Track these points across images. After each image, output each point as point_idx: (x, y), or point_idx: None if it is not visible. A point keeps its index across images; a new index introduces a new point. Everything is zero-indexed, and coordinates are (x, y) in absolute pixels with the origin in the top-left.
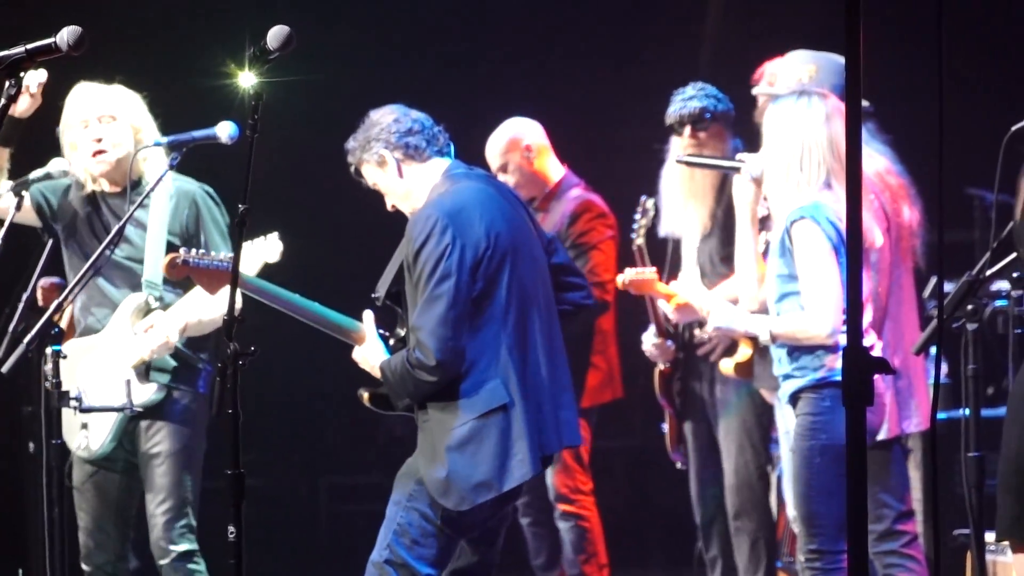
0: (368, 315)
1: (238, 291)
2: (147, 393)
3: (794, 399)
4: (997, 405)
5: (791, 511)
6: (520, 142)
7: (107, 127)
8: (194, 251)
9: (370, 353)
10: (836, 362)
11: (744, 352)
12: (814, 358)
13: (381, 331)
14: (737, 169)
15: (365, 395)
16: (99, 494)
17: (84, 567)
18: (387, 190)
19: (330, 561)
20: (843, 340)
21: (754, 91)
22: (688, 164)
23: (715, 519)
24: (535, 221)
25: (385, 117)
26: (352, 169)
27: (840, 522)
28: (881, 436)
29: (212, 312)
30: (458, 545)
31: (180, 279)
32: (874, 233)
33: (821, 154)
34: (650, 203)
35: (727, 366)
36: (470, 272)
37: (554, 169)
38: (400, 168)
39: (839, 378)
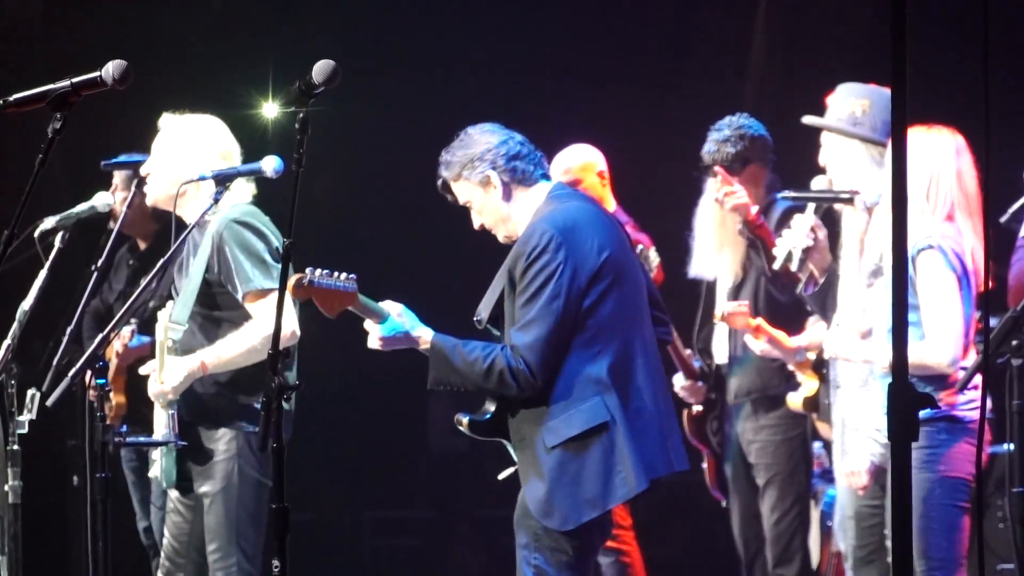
0: (389, 302)
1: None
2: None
3: None
4: None
5: (842, 545)
6: (596, 165)
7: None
8: (318, 271)
9: (408, 322)
10: (951, 396)
11: (811, 386)
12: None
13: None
14: (850, 200)
15: (464, 421)
16: (179, 521)
17: None
18: (485, 211)
19: None
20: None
21: (805, 120)
22: (794, 200)
23: (758, 557)
24: (631, 247)
25: (490, 137)
26: (440, 182)
27: (956, 554)
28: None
29: (232, 350)
30: (592, 564)
31: (304, 300)
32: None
33: (949, 186)
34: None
35: (795, 400)
36: (578, 292)
37: (611, 203)
38: (506, 191)
39: (956, 412)
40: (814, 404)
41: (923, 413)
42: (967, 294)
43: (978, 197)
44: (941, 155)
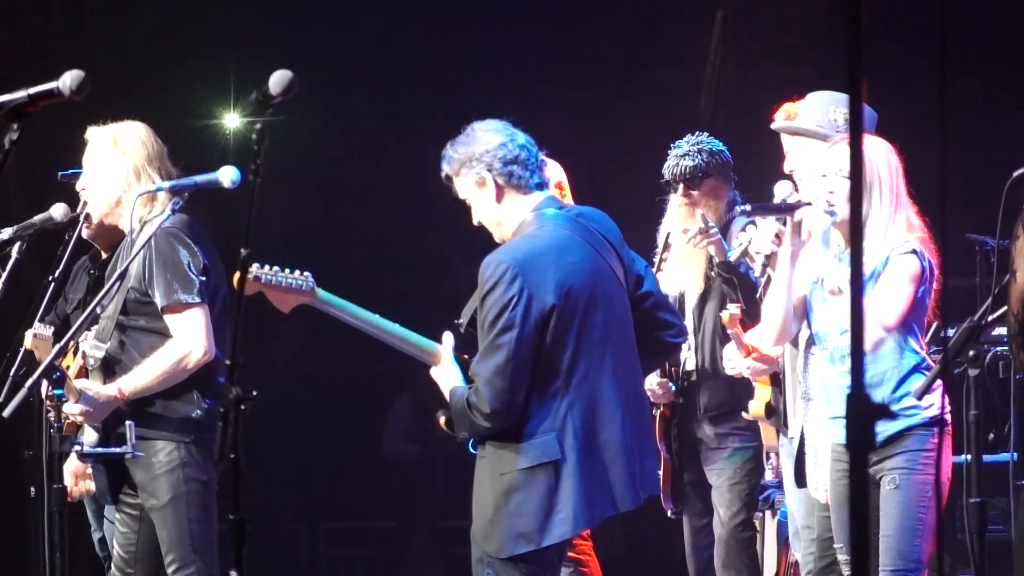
0: (448, 336)
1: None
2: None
3: (895, 437)
4: (997, 451)
5: (799, 555)
6: (554, 178)
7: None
8: (267, 267)
9: (445, 375)
10: (939, 403)
11: (765, 391)
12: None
13: (459, 355)
14: (807, 207)
15: (442, 418)
16: (126, 532)
17: None
18: (480, 210)
19: None
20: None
21: (778, 127)
22: (752, 215)
23: (708, 569)
24: (623, 254)
25: (492, 137)
26: (443, 175)
27: (928, 560)
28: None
29: (147, 377)
30: None
31: (252, 295)
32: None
33: (899, 193)
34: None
35: (757, 408)
36: (535, 325)
37: None
38: (499, 194)
39: (943, 416)
40: (772, 409)
41: (922, 416)
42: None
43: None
44: (885, 163)
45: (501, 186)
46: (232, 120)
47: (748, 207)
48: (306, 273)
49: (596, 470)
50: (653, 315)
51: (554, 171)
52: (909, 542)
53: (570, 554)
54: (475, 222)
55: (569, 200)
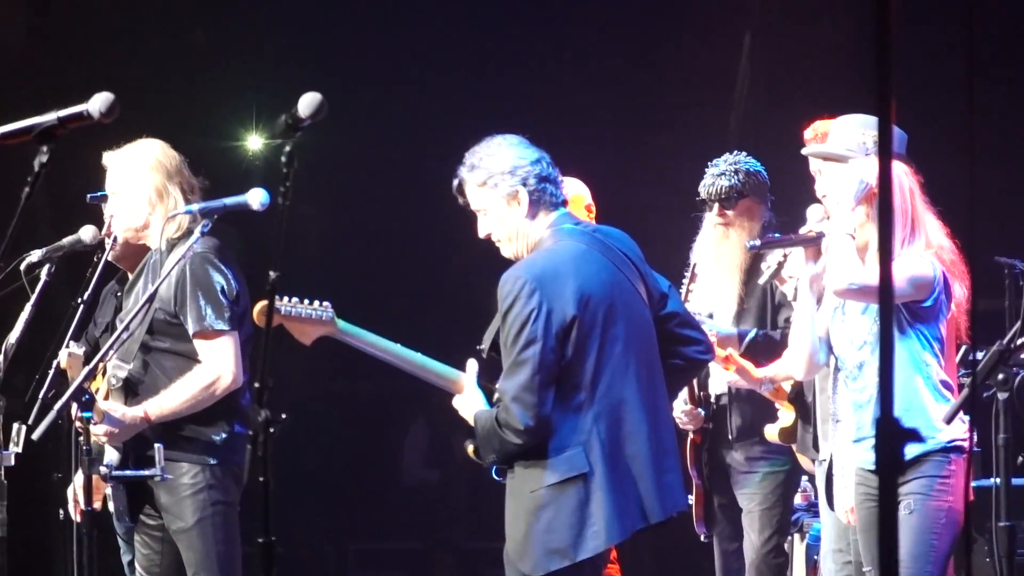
0: (472, 364)
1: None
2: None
3: (912, 462)
4: None
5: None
6: (583, 198)
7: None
8: (286, 299)
9: (468, 402)
10: (957, 429)
11: (788, 417)
12: (930, 425)
13: (482, 382)
14: (816, 241)
15: (469, 447)
16: (148, 554)
17: None
18: (498, 224)
19: None
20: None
21: (807, 151)
22: (763, 248)
23: None
24: (645, 272)
25: (525, 152)
26: (457, 182)
27: None
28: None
29: (174, 401)
30: None
31: (273, 327)
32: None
33: (918, 219)
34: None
35: (771, 432)
36: (557, 338)
37: None
38: (531, 211)
39: (959, 442)
40: (791, 435)
41: (937, 442)
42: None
43: (942, 229)
44: (903, 189)
45: (534, 202)
46: (255, 142)
47: (757, 241)
48: (325, 303)
49: (625, 482)
50: (679, 333)
51: (583, 191)
52: (921, 568)
53: None
54: (482, 234)
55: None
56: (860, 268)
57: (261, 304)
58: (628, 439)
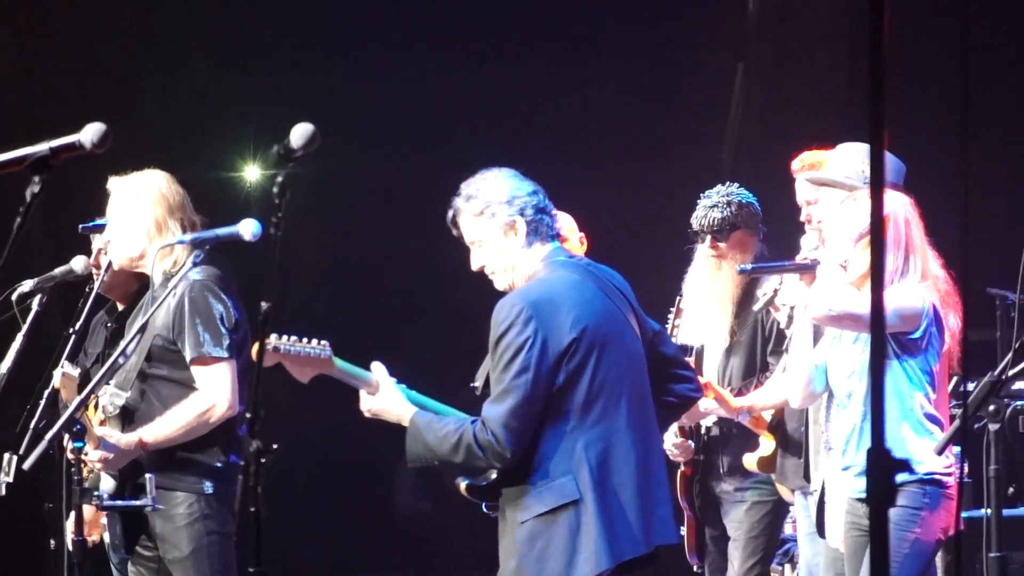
0: (377, 364)
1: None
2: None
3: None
4: (1018, 505)
5: None
6: (576, 231)
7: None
8: (285, 337)
9: (391, 401)
10: (935, 463)
11: (767, 447)
12: (913, 450)
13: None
14: (811, 269)
15: (463, 485)
16: None
17: None
18: (494, 255)
19: None
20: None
21: (806, 177)
22: (753, 273)
23: None
24: (637, 310)
25: (521, 184)
26: (452, 214)
27: None
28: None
29: (170, 428)
30: None
31: (271, 366)
32: (952, 333)
33: (913, 251)
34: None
35: (750, 461)
36: (550, 367)
37: None
38: (528, 241)
39: (938, 476)
40: (770, 464)
41: (910, 475)
42: (936, 344)
43: (937, 260)
44: (900, 219)
45: (531, 232)
46: (252, 172)
47: (749, 265)
48: (324, 342)
49: (614, 510)
50: (671, 371)
51: (573, 223)
52: None
53: None
54: (476, 267)
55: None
56: (842, 296)
57: (274, 340)
58: (617, 468)
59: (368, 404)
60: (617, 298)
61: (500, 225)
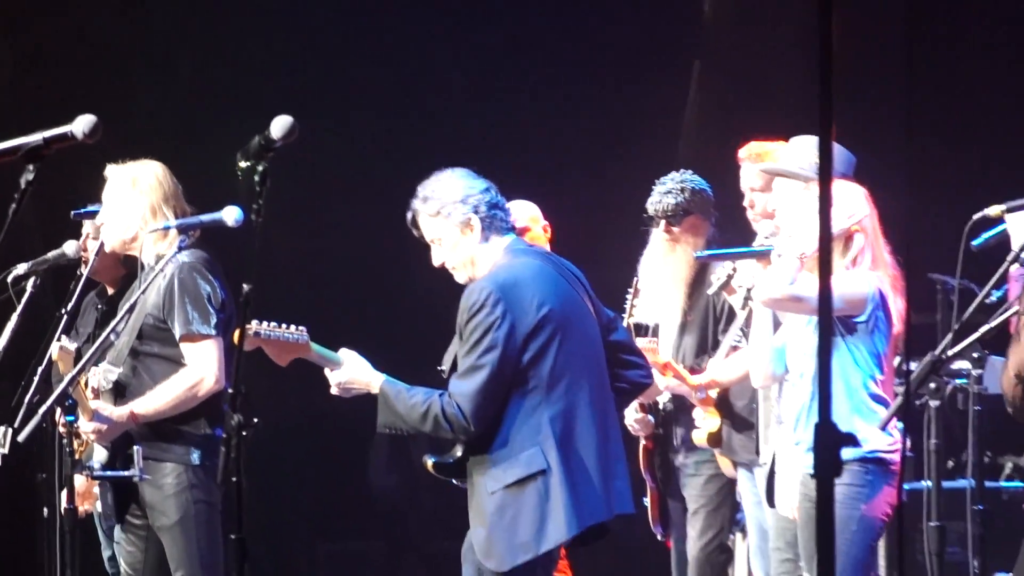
0: (346, 351)
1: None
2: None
3: None
4: (956, 478)
5: (762, 572)
6: (540, 219)
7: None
8: (265, 323)
9: (358, 369)
10: (879, 441)
11: (712, 422)
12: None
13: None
14: (766, 255)
15: (429, 462)
16: (132, 551)
17: None
18: (452, 251)
19: None
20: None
21: (763, 168)
22: (709, 259)
23: None
24: (594, 300)
25: (474, 183)
26: (411, 216)
27: None
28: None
29: (160, 402)
30: None
31: (251, 350)
32: (900, 316)
33: (869, 239)
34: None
35: (699, 436)
36: (517, 346)
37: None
38: (483, 236)
39: (882, 455)
40: (718, 439)
41: (856, 453)
42: (883, 327)
43: (886, 247)
44: (857, 208)
45: (486, 227)
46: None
47: (704, 253)
48: (301, 328)
49: (578, 480)
50: (624, 359)
51: (538, 212)
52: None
53: None
54: (437, 263)
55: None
56: (788, 281)
57: (254, 327)
58: (579, 441)
59: (336, 378)
60: (575, 284)
61: (456, 223)
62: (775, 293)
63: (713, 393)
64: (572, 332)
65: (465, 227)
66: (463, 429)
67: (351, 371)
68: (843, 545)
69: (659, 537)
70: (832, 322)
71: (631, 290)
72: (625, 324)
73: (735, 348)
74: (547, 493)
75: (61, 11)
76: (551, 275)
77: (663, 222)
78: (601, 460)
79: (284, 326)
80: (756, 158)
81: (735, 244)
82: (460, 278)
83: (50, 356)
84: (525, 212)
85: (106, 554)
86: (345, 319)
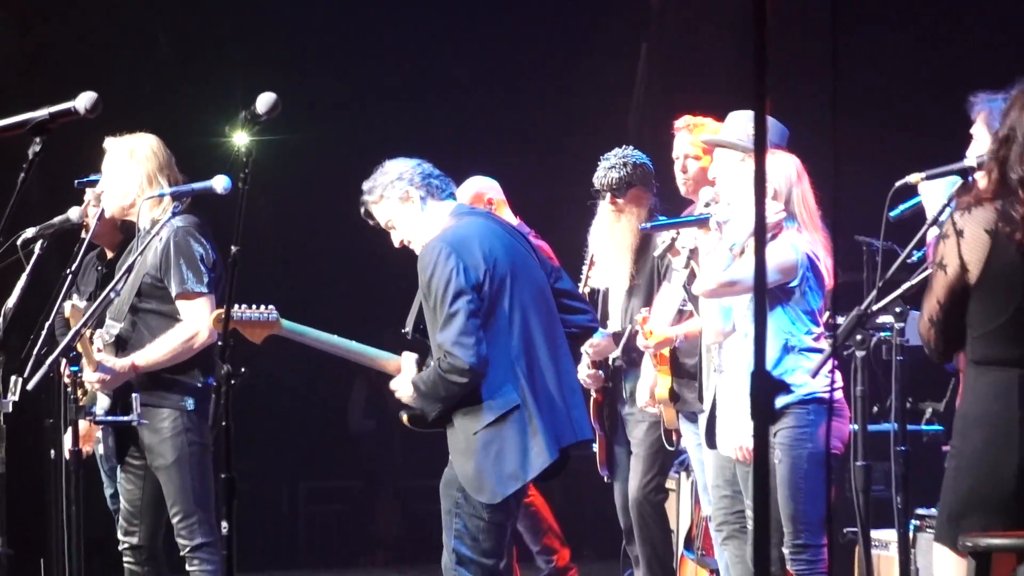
0: (408, 355)
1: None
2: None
3: (779, 413)
4: (880, 422)
5: (709, 510)
6: (483, 196)
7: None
8: (236, 306)
9: (403, 384)
10: (818, 382)
11: (665, 380)
12: (796, 378)
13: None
14: (704, 223)
15: (404, 417)
16: (131, 489)
17: (122, 540)
18: (402, 226)
19: (308, 552)
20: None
21: (703, 139)
22: (654, 231)
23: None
24: (537, 252)
25: (406, 163)
26: (363, 209)
27: (822, 519)
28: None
29: (158, 354)
30: (510, 530)
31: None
32: (829, 276)
33: (795, 204)
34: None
35: (661, 392)
36: (475, 290)
37: (509, 219)
38: (422, 203)
39: (821, 395)
40: (677, 395)
41: (795, 397)
42: (814, 286)
43: (817, 212)
44: (785, 176)
45: (423, 197)
46: (241, 138)
47: (648, 224)
48: (270, 307)
49: (546, 408)
50: (570, 304)
51: (490, 187)
52: (796, 508)
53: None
54: (397, 243)
55: (503, 213)
56: (722, 269)
57: (216, 313)
58: (540, 376)
59: (394, 385)
60: (518, 238)
61: (396, 200)
62: (710, 284)
63: (666, 352)
64: (520, 277)
65: (404, 200)
66: (461, 371)
67: (400, 384)
68: (800, 482)
69: (605, 479)
70: (765, 284)
71: (586, 262)
72: (581, 292)
73: (682, 312)
74: (524, 426)
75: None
76: (496, 230)
77: (608, 194)
78: (559, 392)
79: (254, 307)
80: (691, 128)
81: (676, 213)
82: (417, 249)
83: (56, 311)
84: (465, 195)
85: (108, 492)
86: (319, 277)
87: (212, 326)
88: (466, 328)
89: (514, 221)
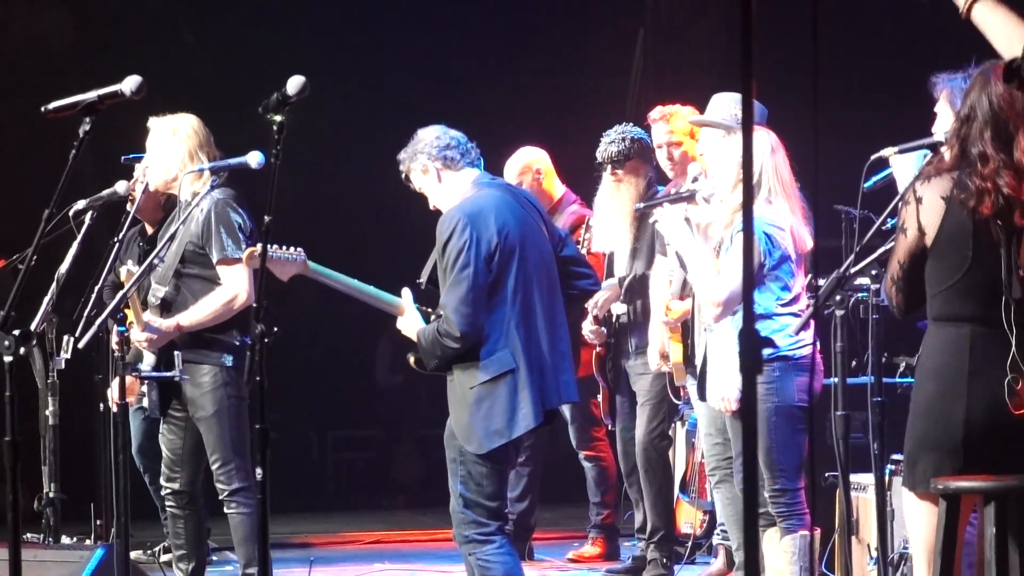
0: (406, 291)
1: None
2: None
3: None
4: (858, 375)
5: (705, 455)
6: (532, 166)
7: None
8: (269, 246)
9: (410, 323)
10: (781, 340)
11: (678, 348)
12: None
13: (420, 307)
14: (691, 198)
15: (411, 359)
16: (173, 439)
17: (164, 486)
18: (428, 193)
19: (335, 496)
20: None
21: (690, 120)
22: (648, 208)
23: (635, 469)
24: (547, 221)
25: (429, 134)
26: (403, 176)
27: (797, 465)
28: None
29: (200, 315)
30: (509, 473)
31: (256, 267)
32: (807, 240)
33: (767, 176)
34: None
35: (676, 357)
36: (485, 262)
37: (557, 189)
38: (439, 175)
39: (784, 353)
40: (689, 360)
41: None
42: (787, 262)
43: (792, 183)
44: (760, 152)
45: (439, 169)
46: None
47: (642, 204)
48: (299, 249)
49: (536, 375)
50: (574, 269)
51: (539, 158)
52: (769, 457)
53: (591, 452)
54: (432, 207)
55: (552, 183)
56: (716, 288)
57: (250, 249)
58: (535, 343)
59: (399, 324)
60: (530, 210)
61: (419, 172)
62: (714, 311)
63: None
64: (528, 251)
65: (424, 172)
66: (456, 338)
67: (405, 324)
68: (770, 433)
69: (609, 427)
70: (753, 250)
71: (584, 226)
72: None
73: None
74: (515, 389)
75: None
76: (510, 203)
77: (609, 167)
78: (550, 357)
79: (285, 248)
80: (667, 118)
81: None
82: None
83: (105, 275)
84: (515, 166)
85: (134, 446)
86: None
87: (245, 262)
88: (467, 298)
89: (562, 188)
